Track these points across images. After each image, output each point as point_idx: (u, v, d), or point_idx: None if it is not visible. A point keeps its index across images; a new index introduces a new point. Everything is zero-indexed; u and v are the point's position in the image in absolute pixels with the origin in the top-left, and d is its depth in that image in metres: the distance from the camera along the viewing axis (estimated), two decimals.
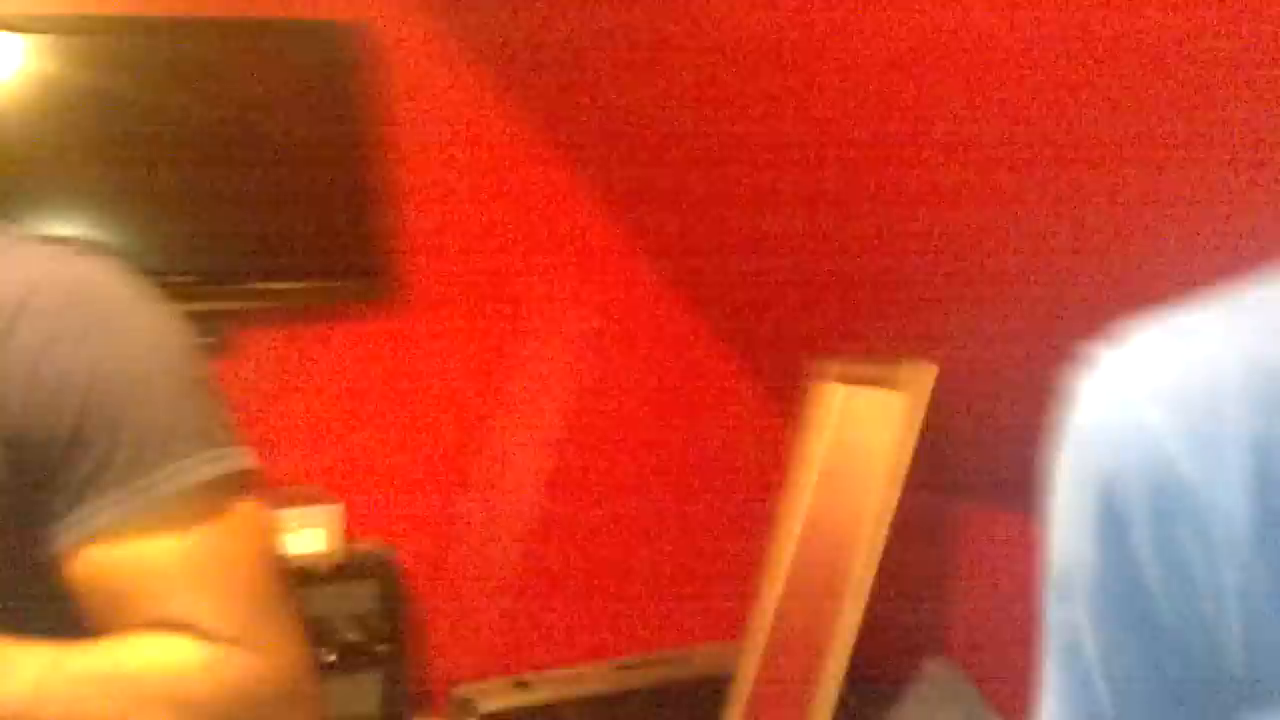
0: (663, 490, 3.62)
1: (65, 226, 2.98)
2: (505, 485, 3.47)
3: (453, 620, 3.40)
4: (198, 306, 3.05)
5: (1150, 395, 0.53)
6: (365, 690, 3.21)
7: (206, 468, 0.86)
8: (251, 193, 3.16)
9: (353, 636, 3.09)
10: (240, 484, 0.89)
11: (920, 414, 2.75)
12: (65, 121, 3.00)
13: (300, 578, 2.94)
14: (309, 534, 2.98)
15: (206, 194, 3.12)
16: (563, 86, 3.31)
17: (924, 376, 2.77)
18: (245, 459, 0.89)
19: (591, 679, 3.37)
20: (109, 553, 0.84)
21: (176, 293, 2.97)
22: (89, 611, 0.85)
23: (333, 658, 3.00)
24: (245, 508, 0.88)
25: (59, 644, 0.82)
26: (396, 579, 3.11)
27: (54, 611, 0.83)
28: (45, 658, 0.81)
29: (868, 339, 3.10)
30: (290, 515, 2.98)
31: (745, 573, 3.28)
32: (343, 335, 3.34)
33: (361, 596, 3.19)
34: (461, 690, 3.30)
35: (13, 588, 0.85)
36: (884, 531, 2.78)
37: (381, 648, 3.07)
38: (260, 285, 3.19)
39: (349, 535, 3.14)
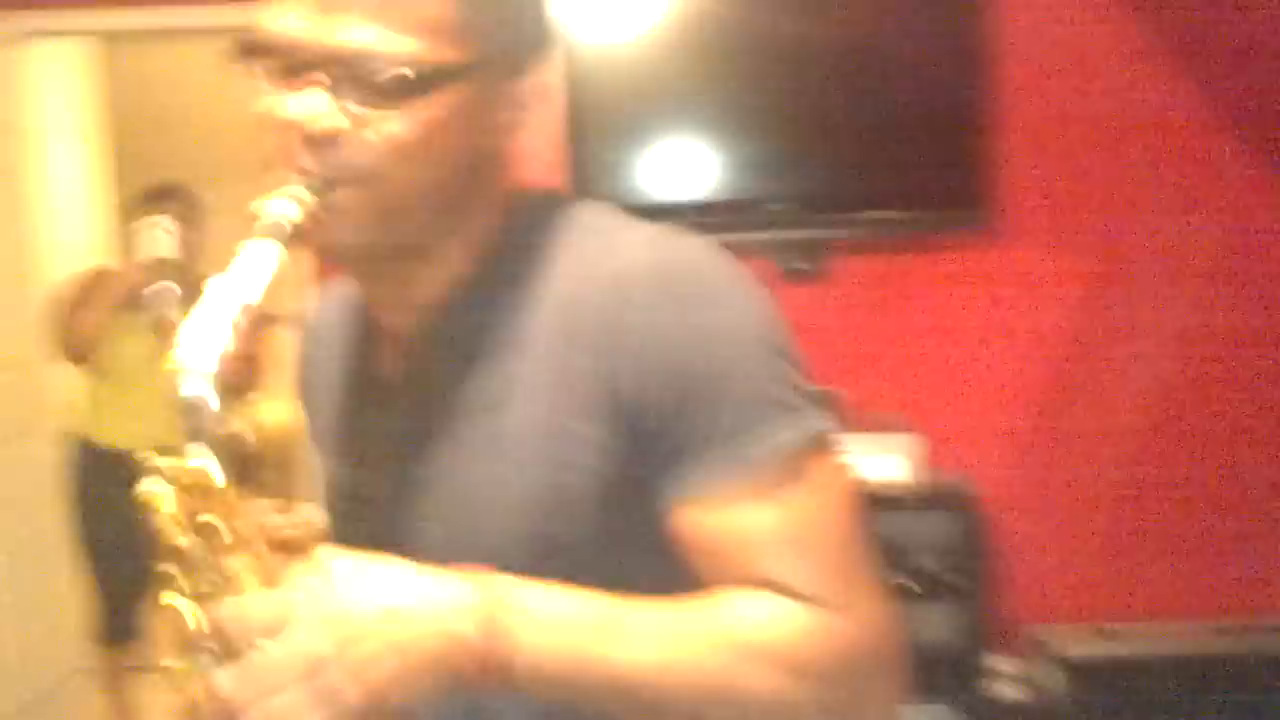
0: (1273, 447, 3.27)
1: (676, 152, 3.20)
2: (1097, 430, 3.30)
3: (1034, 559, 3.31)
4: (797, 234, 3.23)
5: None
6: (938, 621, 3.22)
7: (792, 432, 0.88)
8: (855, 120, 3.22)
9: (929, 566, 3.11)
10: (823, 446, 0.90)
11: None
12: (683, 51, 3.20)
13: (879, 504, 3.05)
14: (890, 461, 3.03)
15: (810, 121, 3.22)
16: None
17: None
18: (827, 421, 0.91)
19: (1184, 637, 3.14)
20: (704, 514, 0.88)
21: (776, 219, 3.16)
22: (692, 570, 0.90)
23: (911, 585, 3.04)
24: (830, 469, 0.90)
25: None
26: (977, 512, 3.07)
27: (662, 574, 0.89)
28: (657, 614, 0.85)
29: None
30: (872, 441, 3.04)
31: None
32: (938, 265, 3.33)
33: (940, 527, 3.20)
34: (1039, 632, 3.21)
35: (626, 552, 0.92)
36: None
37: (958, 580, 3.07)
38: (859, 214, 3.25)
39: (930, 465, 3.15)
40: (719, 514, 0.88)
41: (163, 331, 3.46)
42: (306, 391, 1.14)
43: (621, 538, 0.92)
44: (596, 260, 0.92)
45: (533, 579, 0.85)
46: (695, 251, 0.93)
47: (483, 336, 0.95)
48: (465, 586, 0.82)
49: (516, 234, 0.98)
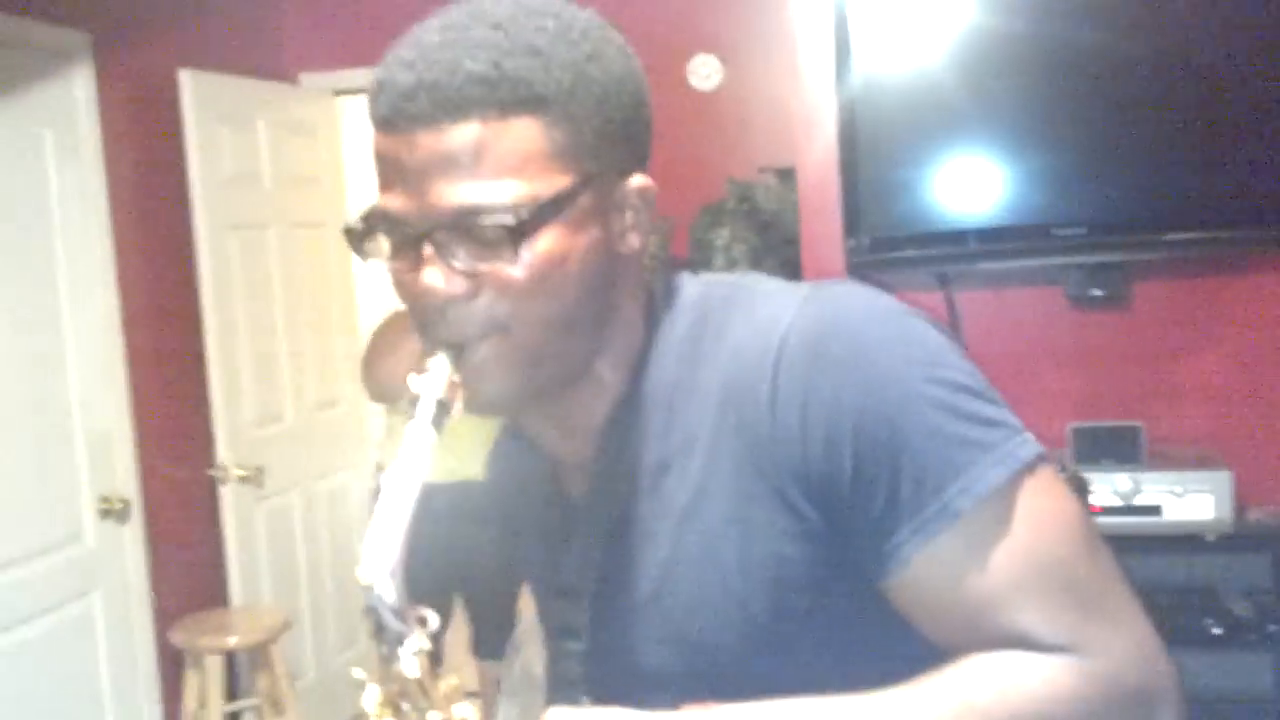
0: None
1: (959, 175, 3.13)
2: None
3: None
4: (1092, 258, 3.10)
5: None
6: (1253, 668, 3.02)
7: (993, 472, 0.83)
8: (1154, 136, 3.06)
9: (1241, 611, 2.92)
10: (1031, 476, 0.85)
11: None
12: (966, 69, 3.12)
13: (1187, 546, 2.89)
14: (1197, 499, 2.86)
15: (1105, 138, 3.08)
16: None
17: None
18: (1029, 448, 0.86)
19: None
20: (924, 580, 0.84)
21: (1070, 245, 3.03)
22: (933, 639, 0.86)
23: (1219, 631, 2.87)
24: (1044, 494, 0.85)
25: (895, 684, 0.85)
26: None
27: (891, 653, 0.86)
28: (884, 703, 0.83)
29: None
30: (1179, 479, 2.88)
31: None
32: (1247, 288, 3.13)
33: (1253, 568, 2.99)
34: None
35: (851, 634, 0.89)
36: None
37: (1275, 626, 2.86)
38: (1159, 236, 3.08)
39: (1241, 502, 2.96)
40: (939, 576, 0.84)
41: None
42: (513, 540, 1.14)
43: (843, 621, 0.89)
44: (747, 335, 0.90)
45: (765, 678, 0.86)
46: (845, 304, 0.90)
47: (655, 447, 0.94)
48: None
49: (658, 334, 0.96)
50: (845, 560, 0.87)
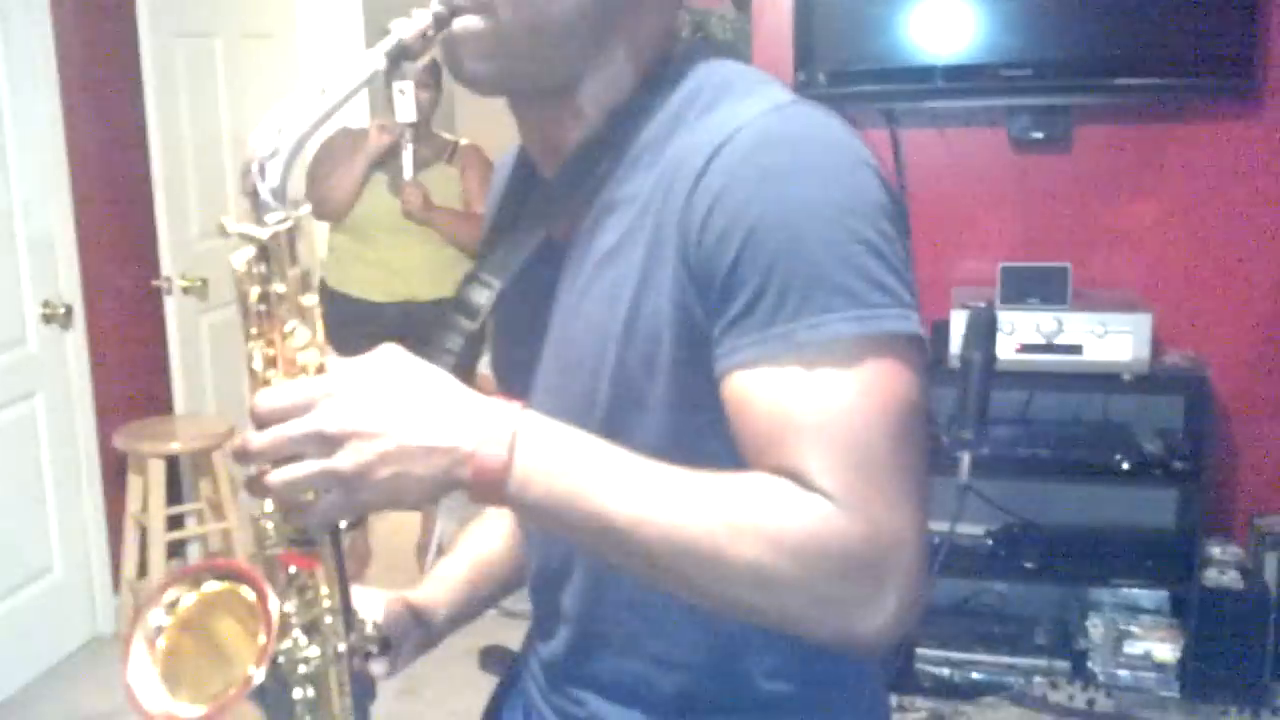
0: None
1: (908, 14, 3.11)
2: None
3: (1262, 447, 3.18)
4: (1038, 100, 3.11)
5: None
6: (1159, 504, 3.16)
7: (846, 325, 0.86)
8: None
9: (1152, 449, 3.04)
10: (888, 347, 0.87)
11: None
12: None
13: (1104, 385, 2.98)
14: (1117, 340, 2.94)
15: None
16: None
17: None
18: (900, 323, 0.87)
19: None
20: (744, 388, 0.88)
21: (1016, 86, 3.04)
22: (738, 445, 0.90)
23: (1127, 466, 2.98)
24: (885, 370, 0.87)
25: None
26: (1206, 396, 2.97)
27: (718, 443, 0.91)
28: (664, 474, 0.87)
29: None
30: (1101, 319, 2.96)
31: None
32: (1188, 135, 3.16)
33: (1166, 409, 3.11)
34: (1265, 522, 3.10)
35: (695, 413, 0.94)
36: None
37: (1181, 464, 2.98)
38: (1106, 81, 3.09)
39: (1160, 345, 3.05)
40: (755, 390, 0.87)
41: (399, 190, 3.67)
42: (487, 225, 1.18)
43: (692, 397, 0.93)
44: (712, 123, 0.92)
45: (613, 418, 0.93)
46: (807, 125, 0.91)
47: (609, 188, 0.99)
48: (492, 410, 0.87)
49: (651, 89, 0.99)
50: (707, 345, 0.91)
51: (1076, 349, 2.97)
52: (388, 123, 3.57)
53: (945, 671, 3.14)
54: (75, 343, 3.66)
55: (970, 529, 3.18)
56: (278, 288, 0.90)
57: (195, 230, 3.98)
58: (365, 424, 0.85)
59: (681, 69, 0.99)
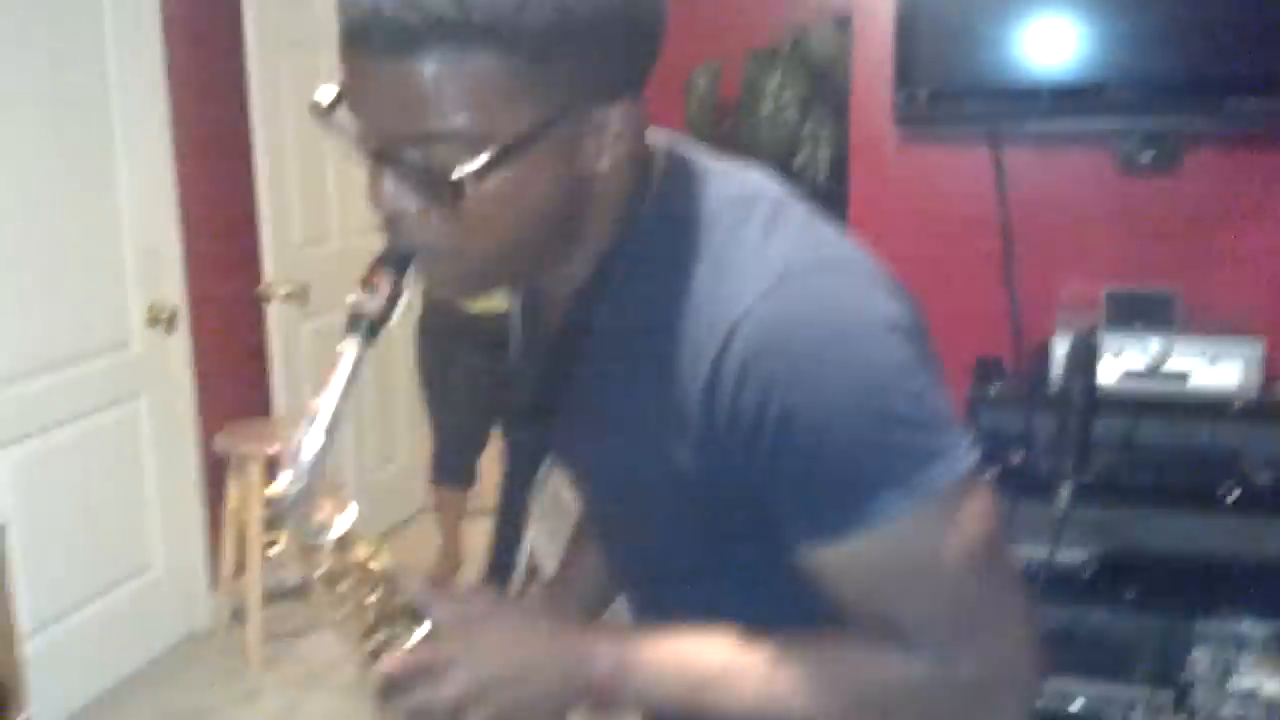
0: None
1: (1008, 34, 3.08)
2: None
3: None
4: (1147, 122, 3.07)
5: None
6: (1269, 535, 3.08)
7: (900, 503, 0.88)
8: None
9: (1261, 478, 2.96)
10: (947, 497, 0.89)
11: None
12: None
13: (1212, 411, 2.91)
14: (1227, 367, 2.88)
15: (1164, 3, 3.02)
16: None
17: None
18: (948, 473, 0.88)
19: None
20: (822, 566, 0.92)
21: (1122, 106, 3.00)
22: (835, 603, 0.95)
23: (1235, 495, 2.91)
24: (952, 517, 0.90)
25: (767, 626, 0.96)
26: None
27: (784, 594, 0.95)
28: (772, 655, 0.94)
29: None
30: (1210, 346, 2.90)
31: None
32: None
33: (1277, 439, 3.03)
34: None
35: (749, 573, 0.99)
36: None
37: None
38: (1217, 102, 3.03)
39: (1271, 372, 2.98)
40: (834, 565, 0.91)
41: None
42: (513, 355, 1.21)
43: (747, 560, 0.99)
44: (713, 294, 0.91)
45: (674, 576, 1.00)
46: (819, 299, 0.89)
47: (611, 321, 0.98)
48: (594, 650, 0.94)
49: (636, 229, 0.96)
50: (751, 516, 0.95)
51: (1183, 376, 2.92)
52: None
53: (1042, 701, 3.09)
54: (179, 346, 3.74)
55: (1071, 556, 3.12)
56: (351, 585, 0.99)
57: (298, 238, 4.06)
58: (486, 684, 0.94)
59: (663, 204, 0.96)
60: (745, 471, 0.90)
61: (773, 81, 3.91)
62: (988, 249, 3.28)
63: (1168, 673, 3.09)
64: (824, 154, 3.85)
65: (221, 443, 3.68)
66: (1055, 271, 3.28)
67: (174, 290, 3.68)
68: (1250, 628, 3.05)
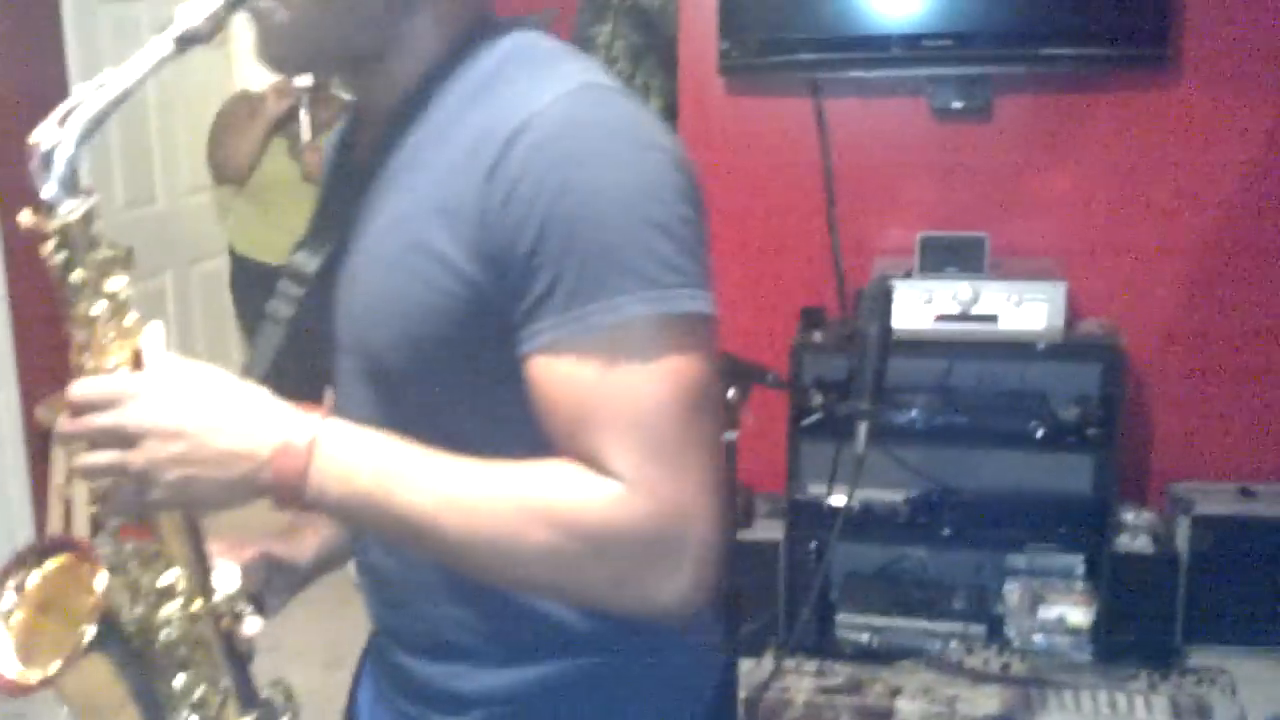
0: None
1: None
2: (1257, 290, 3.16)
3: (1177, 414, 3.24)
4: (959, 70, 3.13)
5: None
6: (1074, 470, 3.20)
7: (641, 307, 0.89)
8: None
9: (1066, 415, 3.08)
10: (681, 328, 0.91)
11: None
12: None
13: (1020, 353, 3.01)
14: (1033, 309, 2.98)
15: None
16: None
17: None
18: (692, 303, 0.91)
19: None
20: (543, 372, 0.92)
21: (938, 55, 3.06)
22: (542, 428, 0.93)
23: (1042, 433, 3.02)
24: (676, 352, 0.90)
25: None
26: (1119, 364, 3.01)
27: (524, 422, 0.94)
28: (458, 467, 0.92)
29: None
30: (1017, 289, 2.99)
31: None
32: (1107, 105, 3.19)
33: (1080, 377, 3.14)
34: (1178, 488, 3.16)
35: (492, 388, 0.98)
36: None
37: (1096, 431, 3.02)
38: (1026, 50, 3.11)
39: (1074, 314, 3.09)
40: (553, 373, 0.91)
41: (298, 153, 3.65)
42: (320, 191, 1.20)
43: (489, 373, 0.96)
44: (508, 102, 0.94)
45: (407, 377, 0.97)
46: (598, 110, 0.93)
47: (410, 149, 1.01)
48: (292, 419, 0.92)
49: (459, 59, 1.01)
50: (501, 326, 0.93)
51: (993, 318, 3.01)
52: (284, 86, 3.55)
53: (864, 637, 3.19)
54: None
55: (889, 495, 3.21)
56: (77, 275, 0.94)
57: (120, 199, 3.95)
58: (163, 425, 0.90)
59: (490, 40, 1.02)
60: (504, 262, 0.91)
61: (603, 32, 3.89)
62: (811, 199, 3.34)
63: (982, 607, 3.22)
64: (655, 104, 3.85)
65: (44, 413, 3.58)
66: (875, 219, 3.34)
67: None
68: (1058, 560, 3.18)
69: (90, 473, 0.92)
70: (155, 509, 0.95)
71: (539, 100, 0.92)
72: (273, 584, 1.16)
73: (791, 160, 3.36)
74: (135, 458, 0.90)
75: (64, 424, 0.92)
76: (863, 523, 3.16)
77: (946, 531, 3.14)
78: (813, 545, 3.13)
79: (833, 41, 3.15)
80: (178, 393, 0.91)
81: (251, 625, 1.07)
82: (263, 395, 0.94)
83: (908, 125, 3.31)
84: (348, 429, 0.93)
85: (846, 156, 3.32)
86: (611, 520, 0.88)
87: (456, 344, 0.96)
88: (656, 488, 0.88)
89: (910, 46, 3.07)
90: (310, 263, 1.06)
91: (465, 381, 0.98)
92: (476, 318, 0.94)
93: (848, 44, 3.14)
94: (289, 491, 0.91)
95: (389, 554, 1.09)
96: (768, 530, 3.17)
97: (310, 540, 1.21)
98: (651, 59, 3.88)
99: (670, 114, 3.71)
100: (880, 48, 3.12)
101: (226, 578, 1.08)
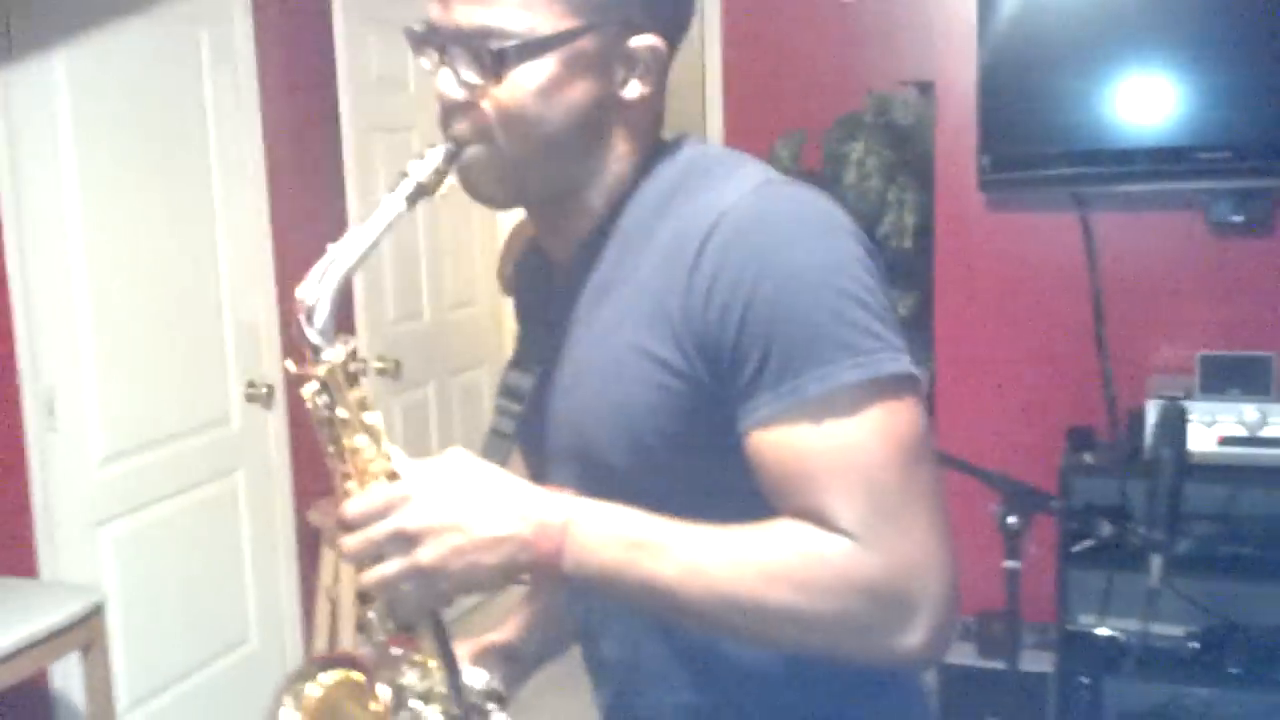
0: None
1: (1097, 97, 3.04)
2: None
3: None
4: (1237, 183, 3.00)
5: None
6: None
7: (848, 374, 0.94)
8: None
9: None
10: (888, 389, 0.96)
11: None
12: None
13: None
14: None
15: (1254, 60, 2.96)
16: None
17: None
18: (895, 365, 0.96)
19: None
20: (764, 444, 0.97)
21: (1214, 168, 2.94)
22: (766, 497, 0.99)
23: None
24: (888, 410, 0.96)
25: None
26: None
27: (742, 498, 0.99)
28: (698, 536, 0.98)
29: None
30: None
31: None
32: None
33: None
34: None
35: (713, 478, 1.03)
36: None
37: None
38: None
39: None
40: (779, 445, 0.97)
41: None
42: (518, 315, 1.31)
43: (703, 456, 1.02)
44: (699, 208, 1.02)
45: (628, 473, 1.03)
46: (782, 202, 1.01)
47: (606, 270, 1.09)
48: (546, 500, 0.99)
49: (647, 179, 1.10)
50: (719, 412, 1.00)
51: None
52: None
53: None
54: (276, 422, 3.83)
55: (1170, 630, 3.03)
56: (341, 413, 1.04)
57: (391, 314, 4.14)
58: (439, 521, 0.98)
59: (667, 155, 1.11)
60: (715, 351, 0.98)
61: (856, 149, 3.90)
62: (1078, 315, 3.23)
63: None
64: (909, 220, 3.82)
65: (315, 516, 3.75)
66: (1147, 337, 3.21)
67: (272, 366, 3.77)
68: None
69: (384, 584, 0.99)
70: (444, 602, 1.02)
71: (726, 200, 1.01)
72: (500, 674, 1.23)
73: (1056, 275, 3.27)
74: (422, 556, 0.97)
75: (348, 544, 1.00)
76: (1140, 658, 2.98)
77: (1234, 670, 2.93)
78: (1085, 680, 2.96)
79: (1099, 154, 3.07)
80: (441, 488, 0.99)
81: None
82: (513, 479, 1.02)
83: (1181, 239, 3.19)
84: (595, 505, 1.00)
85: (1115, 271, 3.21)
86: (846, 573, 0.93)
87: (673, 434, 1.03)
88: (884, 540, 0.93)
89: (1184, 159, 2.96)
90: (524, 380, 1.15)
91: (680, 466, 1.04)
92: (694, 407, 1.01)
93: (1114, 157, 3.05)
94: (548, 569, 0.98)
95: (621, 644, 1.16)
96: (1035, 662, 3.02)
97: (530, 629, 1.30)
98: (904, 175, 3.87)
99: (924, 229, 3.68)
100: (1149, 161, 3.02)
101: (474, 676, 1.17)
